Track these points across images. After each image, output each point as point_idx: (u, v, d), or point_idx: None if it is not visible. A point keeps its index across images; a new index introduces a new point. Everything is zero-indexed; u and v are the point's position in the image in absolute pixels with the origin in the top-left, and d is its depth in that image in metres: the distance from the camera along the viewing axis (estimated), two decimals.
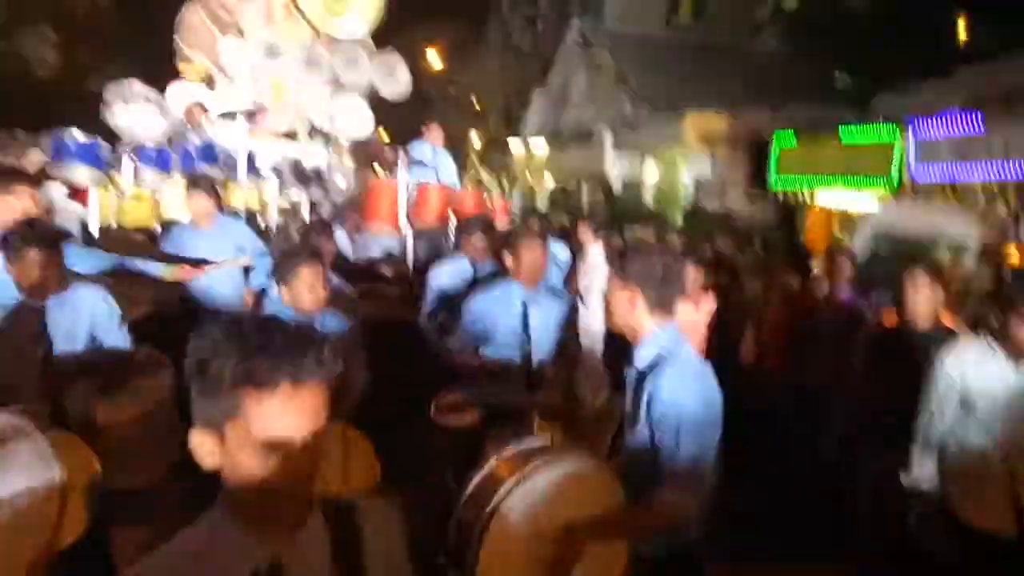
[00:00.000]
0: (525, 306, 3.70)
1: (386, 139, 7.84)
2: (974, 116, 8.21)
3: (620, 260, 2.22)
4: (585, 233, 5.92)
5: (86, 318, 3.17)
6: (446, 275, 4.72)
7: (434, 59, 27.09)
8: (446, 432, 3.50)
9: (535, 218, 3.96)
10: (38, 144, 7.18)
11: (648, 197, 17.09)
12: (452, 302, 4.71)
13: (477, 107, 27.49)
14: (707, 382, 2.13)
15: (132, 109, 5.29)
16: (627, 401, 2.24)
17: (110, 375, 3.21)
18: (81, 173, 5.18)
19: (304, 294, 3.22)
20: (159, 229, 5.84)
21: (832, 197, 11.17)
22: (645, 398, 2.10)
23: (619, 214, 16.11)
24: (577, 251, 6.26)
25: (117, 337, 3.30)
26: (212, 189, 4.68)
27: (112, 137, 5.77)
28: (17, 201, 3.48)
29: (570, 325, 3.89)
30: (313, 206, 6.35)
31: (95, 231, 5.41)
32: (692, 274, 5.11)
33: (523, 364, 3.69)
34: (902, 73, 10.41)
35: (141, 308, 4.94)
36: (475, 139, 29.38)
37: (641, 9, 19.50)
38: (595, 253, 5.82)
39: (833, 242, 10.43)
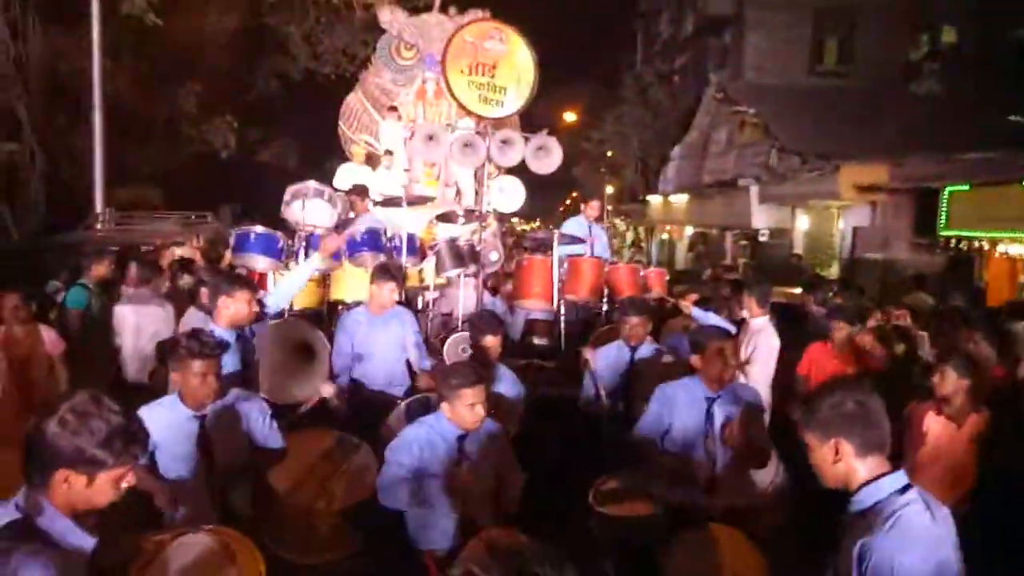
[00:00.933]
0: (710, 403, 3.57)
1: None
2: None
3: (808, 411, 2.03)
4: (749, 303, 5.63)
5: (244, 426, 3.33)
6: (604, 360, 4.68)
7: (570, 117, 27.71)
8: (605, 520, 3.41)
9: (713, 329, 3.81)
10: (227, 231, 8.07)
11: (798, 246, 16.36)
12: (612, 386, 4.68)
13: (612, 162, 27.68)
14: (940, 549, 1.86)
15: (308, 205, 5.70)
16: (839, 552, 2.00)
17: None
18: (261, 262, 5.65)
19: (466, 415, 3.20)
20: (326, 309, 6.22)
21: (1015, 246, 10.15)
22: (856, 555, 1.87)
23: (767, 265, 15.52)
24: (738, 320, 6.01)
25: (274, 439, 3.45)
26: (400, 280, 4.99)
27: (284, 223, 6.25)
28: (237, 304, 3.84)
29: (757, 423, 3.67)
30: (472, 279, 6.52)
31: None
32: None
33: (706, 464, 3.53)
34: None
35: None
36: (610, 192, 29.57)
37: (782, 59, 18.98)
38: (761, 326, 5.54)
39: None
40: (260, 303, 4.20)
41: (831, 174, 13.58)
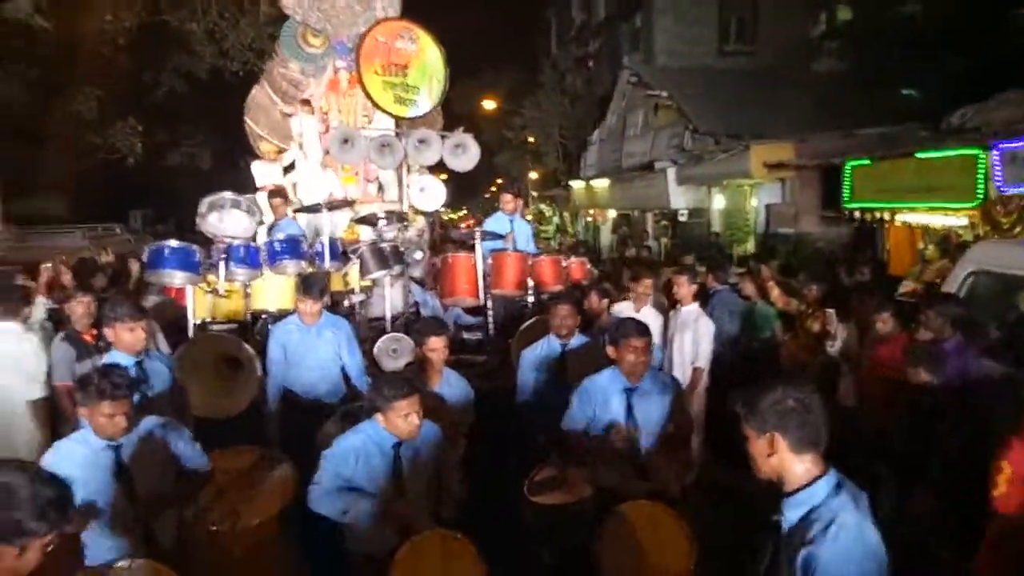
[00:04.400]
0: (628, 394, 3.70)
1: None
2: None
3: (749, 404, 2.08)
4: (682, 287, 5.82)
5: (164, 452, 3.27)
6: (534, 355, 4.77)
7: (489, 105, 27.67)
8: (540, 509, 3.51)
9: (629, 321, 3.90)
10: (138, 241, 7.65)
11: (716, 225, 16.91)
12: (544, 381, 4.77)
13: (533, 149, 27.85)
14: (877, 550, 1.93)
15: (224, 216, 5.56)
16: (766, 559, 2.09)
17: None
18: (178, 277, 5.47)
19: (400, 425, 3.22)
20: (250, 319, 6.09)
21: (913, 216, 10.78)
22: (801, 566, 1.93)
23: (687, 244, 16.00)
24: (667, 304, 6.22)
25: (199, 461, 3.43)
26: (321, 293, 4.96)
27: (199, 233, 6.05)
28: (133, 335, 3.76)
29: (678, 410, 3.82)
30: (395, 280, 6.51)
31: (191, 326, 5.71)
32: None
33: (629, 451, 3.66)
34: (979, 85, 10.02)
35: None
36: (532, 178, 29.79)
37: (690, 42, 19.47)
38: (695, 313, 5.76)
39: (920, 260, 10.08)
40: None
41: (742, 154, 14.08)
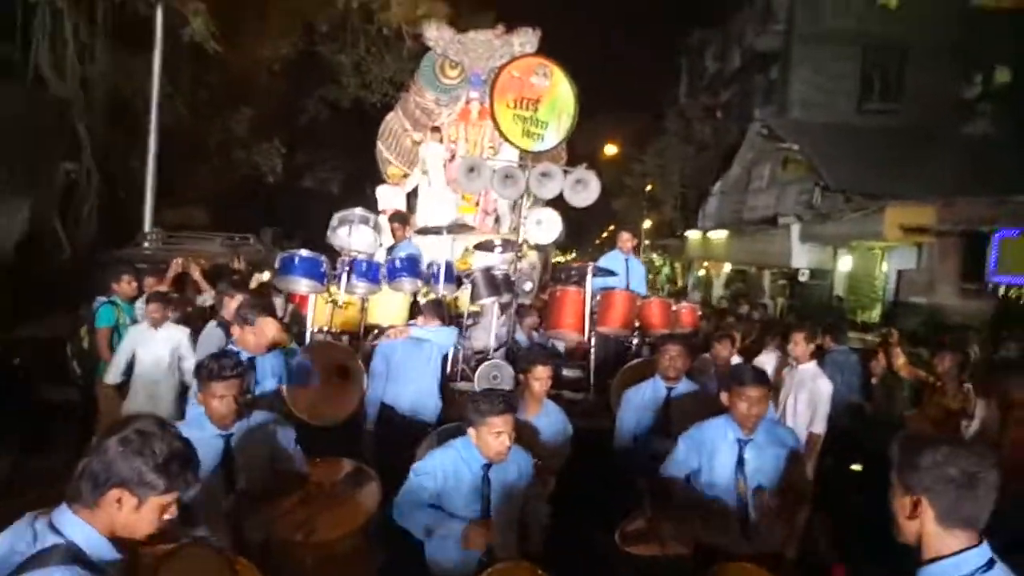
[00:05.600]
0: (741, 445, 3.49)
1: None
2: None
3: (901, 454, 1.88)
4: (799, 344, 5.50)
5: (268, 448, 3.36)
6: (638, 397, 4.63)
7: (611, 150, 27.81)
8: (632, 560, 3.34)
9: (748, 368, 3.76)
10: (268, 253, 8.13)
11: (839, 287, 16.06)
12: (646, 424, 4.62)
13: (652, 195, 27.64)
14: None
15: (352, 231, 5.83)
16: None
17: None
18: (304, 285, 5.78)
19: (491, 443, 3.18)
20: (362, 332, 6.30)
21: None
22: None
23: (806, 306, 15.25)
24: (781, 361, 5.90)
25: (299, 462, 3.49)
26: (443, 317, 5.26)
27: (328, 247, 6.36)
28: (256, 338, 3.99)
29: (795, 468, 3.55)
30: (505, 309, 6.56)
31: (309, 333, 5.99)
32: None
33: (738, 508, 3.44)
34: None
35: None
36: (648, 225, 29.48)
37: (829, 96, 18.81)
38: (813, 371, 5.44)
39: None
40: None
41: (876, 214, 13.34)
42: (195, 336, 5.28)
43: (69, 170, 13.48)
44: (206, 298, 6.53)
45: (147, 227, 12.45)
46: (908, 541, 1.87)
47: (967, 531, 1.79)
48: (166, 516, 1.90)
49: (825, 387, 5.40)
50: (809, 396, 5.40)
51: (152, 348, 5.48)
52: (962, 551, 1.78)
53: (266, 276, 7.15)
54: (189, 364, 5.41)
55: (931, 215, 12.53)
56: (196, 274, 6.86)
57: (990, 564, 1.77)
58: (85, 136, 13.49)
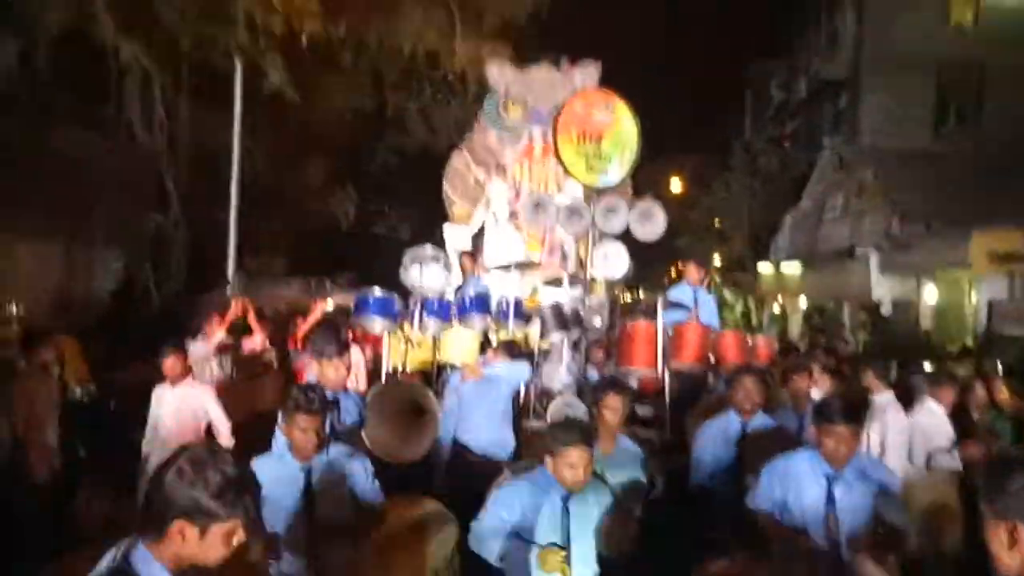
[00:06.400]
0: (829, 483, 3.33)
1: None
2: None
3: (989, 483, 1.79)
4: (871, 380, 5.31)
5: (347, 481, 3.40)
6: (715, 430, 4.52)
7: (677, 185, 27.60)
8: None
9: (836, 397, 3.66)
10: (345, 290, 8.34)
11: (925, 321, 15.31)
12: (722, 459, 4.49)
13: (720, 231, 27.18)
14: None
15: (424, 270, 5.96)
16: None
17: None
18: (378, 324, 5.91)
19: (566, 475, 3.14)
20: (435, 371, 6.38)
21: None
22: None
23: (889, 340, 14.57)
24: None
25: (375, 495, 3.52)
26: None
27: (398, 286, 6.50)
28: (336, 373, 4.08)
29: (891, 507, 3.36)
30: (575, 345, 6.54)
31: (384, 372, 6.10)
32: None
33: (829, 548, 3.28)
34: None
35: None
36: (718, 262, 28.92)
37: (902, 122, 18.23)
38: (885, 403, 5.20)
39: None
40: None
41: (961, 241, 12.75)
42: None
43: (158, 222, 14.29)
44: (256, 341, 6.59)
45: (230, 274, 13.03)
46: (1009, 574, 1.75)
47: None
48: (234, 542, 1.88)
49: (898, 421, 5.15)
50: (880, 427, 5.16)
51: (170, 408, 5.25)
52: None
53: (330, 304, 7.31)
54: (222, 426, 5.38)
55: (1020, 240, 11.89)
56: (250, 316, 7.04)
57: None
58: (172, 188, 14.30)
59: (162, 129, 14.13)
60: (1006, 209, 12.59)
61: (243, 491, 1.89)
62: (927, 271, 14.66)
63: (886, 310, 16.21)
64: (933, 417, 5.28)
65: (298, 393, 3.28)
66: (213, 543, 1.84)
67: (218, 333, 6.59)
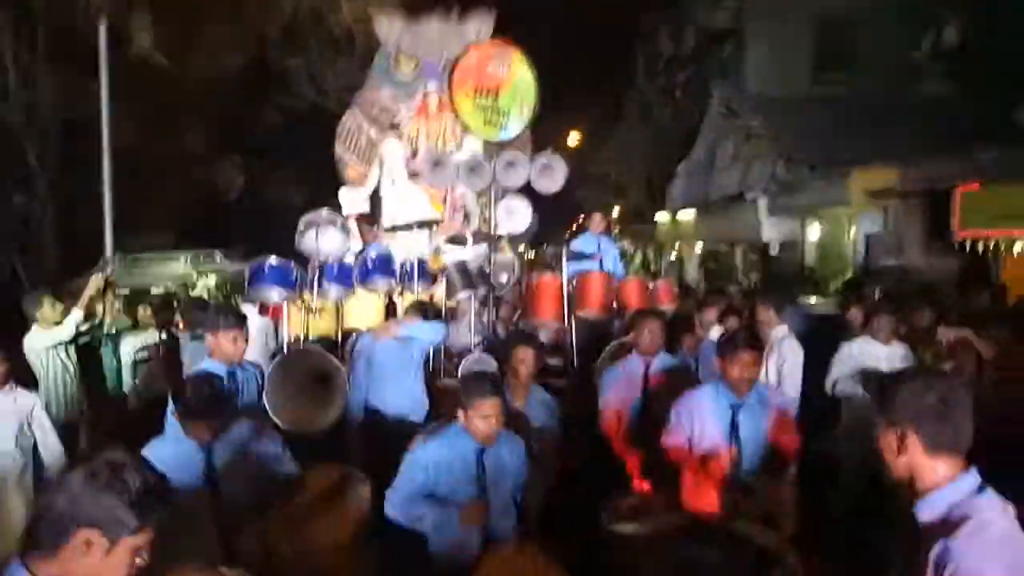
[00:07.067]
0: (734, 412, 3.48)
1: None
2: None
3: (880, 394, 1.92)
4: (766, 313, 5.54)
5: (253, 457, 3.28)
6: (619, 374, 4.61)
7: (573, 139, 27.76)
8: (621, 539, 3.31)
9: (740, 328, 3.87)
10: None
11: (809, 257, 16.21)
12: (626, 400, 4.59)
13: (618, 182, 27.69)
14: (1019, 550, 1.71)
15: (321, 234, 5.71)
16: (903, 556, 1.91)
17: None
18: (275, 293, 5.63)
19: (479, 426, 3.15)
20: (339, 338, 6.18)
21: None
22: (935, 558, 1.74)
23: (778, 278, 15.36)
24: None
25: (288, 466, 3.41)
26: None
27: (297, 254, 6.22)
28: (234, 345, 3.85)
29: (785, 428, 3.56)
30: (484, 303, 6.48)
31: (285, 342, 5.85)
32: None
33: (730, 473, 3.43)
34: None
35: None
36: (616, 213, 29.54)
37: (783, 69, 18.97)
38: (780, 336, 5.44)
39: None
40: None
41: (840, 181, 13.49)
42: None
43: (22, 201, 13.12)
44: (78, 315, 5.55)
45: (108, 252, 12.12)
46: (900, 477, 1.89)
47: (953, 457, 1.84)
48: (138, 561, 1.66)
49: (793, 350, 5.39)
50: (777, 358, 5.38)
51: None
52: (955, 478, 1.82)
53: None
54: (48, 437, 4.58)
55: (893, 177, 12.68)
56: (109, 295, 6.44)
57: (981, 488, 1.82)
58: (35, 165, 13.12)
59: (17, 100, 12.85)
60: (881, 149, 13.37)
61: (160, 501, 1.68)
62: (811, 211, 15.46)
63: (774, 250, 17.07)
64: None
65: (193, 391, 3.14)
66: (119, 559, 1.62)
67: (73, 314, 5.65)
